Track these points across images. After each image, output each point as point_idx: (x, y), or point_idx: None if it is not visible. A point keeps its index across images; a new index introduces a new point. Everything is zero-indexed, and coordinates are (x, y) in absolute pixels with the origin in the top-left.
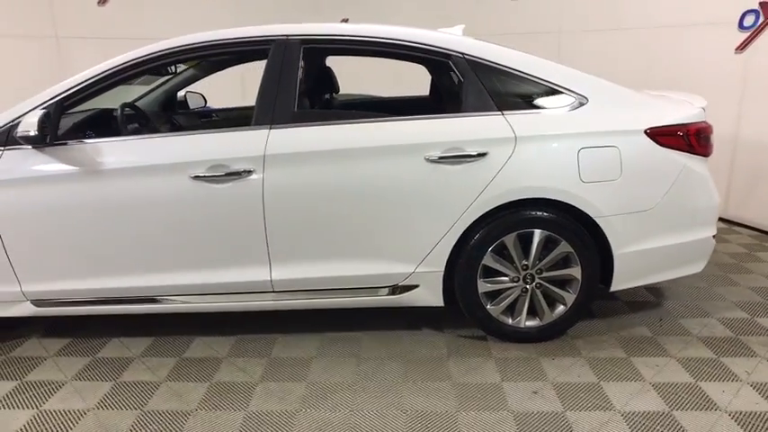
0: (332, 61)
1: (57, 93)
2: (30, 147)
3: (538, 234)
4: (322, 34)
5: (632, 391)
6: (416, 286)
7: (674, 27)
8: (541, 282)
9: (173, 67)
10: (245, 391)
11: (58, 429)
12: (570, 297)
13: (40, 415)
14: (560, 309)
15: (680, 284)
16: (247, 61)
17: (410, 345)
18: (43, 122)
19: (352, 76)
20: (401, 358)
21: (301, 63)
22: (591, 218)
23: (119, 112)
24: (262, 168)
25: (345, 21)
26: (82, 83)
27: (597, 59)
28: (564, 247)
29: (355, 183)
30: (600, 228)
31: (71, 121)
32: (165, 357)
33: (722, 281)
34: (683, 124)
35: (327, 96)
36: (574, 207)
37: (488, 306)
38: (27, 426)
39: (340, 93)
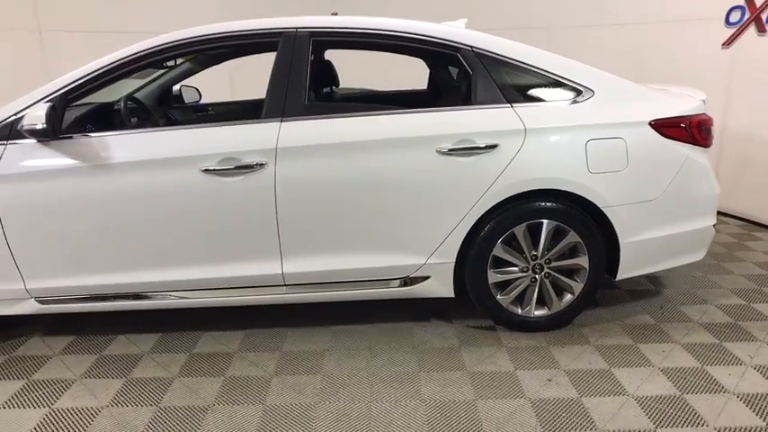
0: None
1: (61, 86)
2: (34, 140)
3: (547, 224)
4: (331, 27)
5: (643, 377)
6: (427, 278)
7: (662, 23)
8: (550, 271)
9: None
10: (260, 385)
11: (74, 428)
12: (578, 286)
13: (52, 414)
14: (568, 298)
15: (676, 273)
16: (250, 54)
17: (421, 336)
18: (50, 116)
19: (340, 70)
20: (414, 349)
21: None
22: (598, 208)
23: (122, 104)
24: (274, 161)
25: (335, 14)
26: (86, 75)
27: (586, 54)
28: (572, 237)
29: (368, 175)
30: (607, 217)
31: (71, 114)
32: (175, 353)
33: (716, 269)
34: (685, 116)
35: (328, 90)
36: (581, 197)
37: (498, 296)
38: (41, 425)
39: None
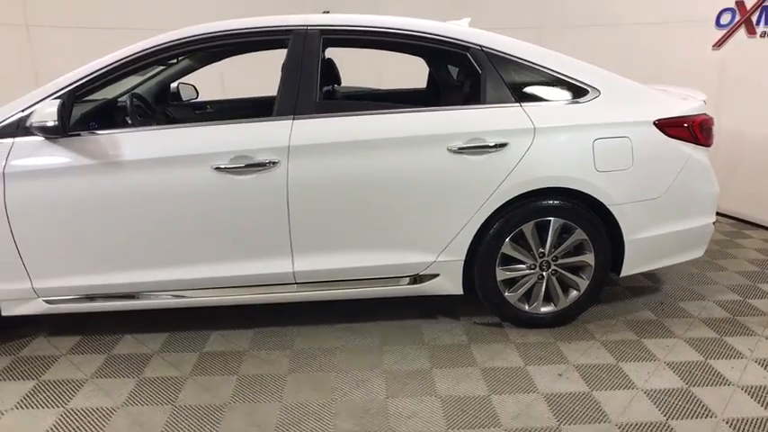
0: None
1: (68, 82)
2: (43, 138)
3: (554, 222)
4: (341, 25)
5: (649, 371)
6: (437, 275)
7: (653, 24)
8: (557, 268)
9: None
10: (275, 382)
11: (91, 427)
12: (583, 283)
13: (67, 413)
14: (573, 294)
15: (673, 270)
16: (255, 51)
17: (429, 333)
18: (62, 112)
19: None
20: (424, 346)
21: (321, 54)
22: (604, 206)
23: (128, 102)
24: (286, 159)
25: (326, 12)
26: (94, 72)
27: (578, 55)
28: (579, 235)
29: (380, 173)
30: (613, 215)
31: (76, 111)
32: (185, 353)
33: (711, 266)
34: (688, 116)
35: (330, 88)
36: (588, 195)
37: (506, 293)
38: (57, 424)
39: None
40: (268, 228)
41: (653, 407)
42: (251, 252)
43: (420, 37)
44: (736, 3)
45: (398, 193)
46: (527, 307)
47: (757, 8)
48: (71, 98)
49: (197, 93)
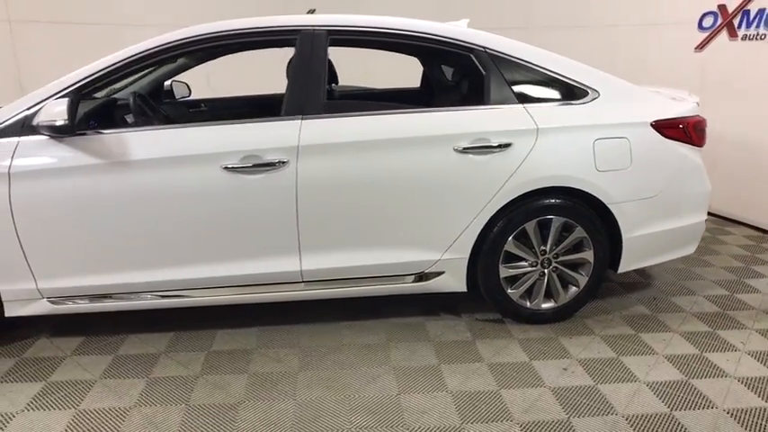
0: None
1: (73, 81)
2: (48, 137)
3: (555, 221)
4: (349, 26)
5: (650, 364)
6: (442, 273)
7: (637, 26)
8: (558, 266)
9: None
10: (287, 380)
11: (106, 428)
12: (583, 279)
13: (80, 415)
14: (573, 290)
15: (662, 266)
16: (256, 49)
17: (434, 330)
18: (71, 111)
19: None
20: (430, 343)
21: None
22: (603, 204)
23: (131, 100)
24: (296, 159)
25: (312, 11)
26: (100, 71)
27: (563, 55)
28: (579, 233)
29: (388, 173)
30: (612, 213)
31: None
32: (193, 352)
33: (697, 262)
34: (683, 117)
35: (328, 87)
36: (589, 194)
37: (509, 290)
38: (71, 425)
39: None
40: (276, 227)
41: (656, 399)
42: (259, 251)
43: (425, 38)
44: (719, 6)
45: (406, 192)
46: (528, 303)
47: (738, 12)
48: (77, 97)
49: (190, 91)
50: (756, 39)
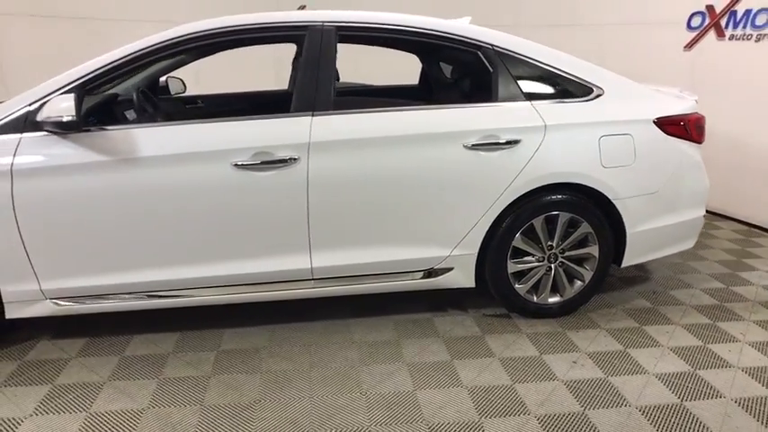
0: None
1: (77, 76)
2: (51, 133)
3: (562, 216)
4: (357, 22)
5: (656, 356)
6: (451, 269)
7: (627, 25)
8: (564, 260)
9: None
10: (300, 378)
11: (121, 430)
12: (588, 274)
13: (92, 417)
14: (578, 285)
15: (659, 261)
16: (259, 44)
17: (442, 326)
18: (78, 107)
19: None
20: (440, 339)
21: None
22: (607, 200)
23: (135, 96)
24: (307, 156)
25: (303, 8)
26: (104, 66)
27: None
28: (585, 228)
29: (399, 170)
30: (616, 209)
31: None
32: (202, 352)
33: (692, 256)
34: (684, 114)
35: None
36: (594, 190)
37: (516, 285)
38: (84, 429)
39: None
40: (287, 224)
41: (666, 390)
42: (269, 249)
43: (433, 35)
44: (707, 7)
45: (417, 188)
46: (535, 298)
47: (726, 13)
48: (82, 93)
49: (185, 87)
50: (743, 39)
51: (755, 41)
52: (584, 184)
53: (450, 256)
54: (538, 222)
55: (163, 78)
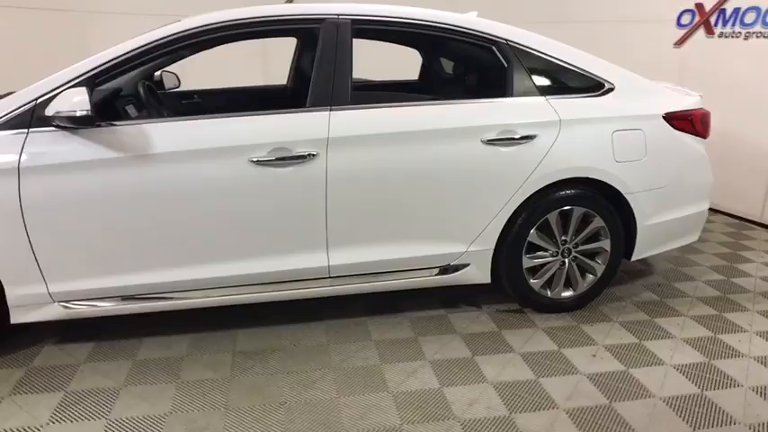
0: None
1: (86, 69)
2: (60, 129)
3: (576, 211)
4: (373, 15)
5: (671, 347)
6: (467, 265)
7: (618, 22)
8: (577, 255)
9: None
10: (324, 378)
11: None
12: (600, 268)
13: (112, 424)
14: (590, 279)
15: (659, 254)
16: (267, 37)
17: (458, 322)
18: (91, 101)
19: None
20: (458, 335)
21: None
22: (618, 194)
23: (142, 90)
24: (325, 151)
25: (290, 1)
26: (114, 59)
27: None
28: (597, 222)
29: (416, 165)
30: (628, 203)
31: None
32: (218, 353)
33: (689, 249)
34: (691, 110)
35: None
36: (608, 185)
37: (531, 280)
38: None
39: None
40: (305, 221)
41: (686, 380)
42: (286, 247)
43: (450, 30)
44: (696, 5)
45: (436, 184)
46: (549, 293)
47: (715, 11)
48: (91, 86)
49: (179, 81)
50: (732, 36)
51: (744, 39)
52: (598, 178)
53: (466, 252)
54: (552, 217)
55: (157, 73)
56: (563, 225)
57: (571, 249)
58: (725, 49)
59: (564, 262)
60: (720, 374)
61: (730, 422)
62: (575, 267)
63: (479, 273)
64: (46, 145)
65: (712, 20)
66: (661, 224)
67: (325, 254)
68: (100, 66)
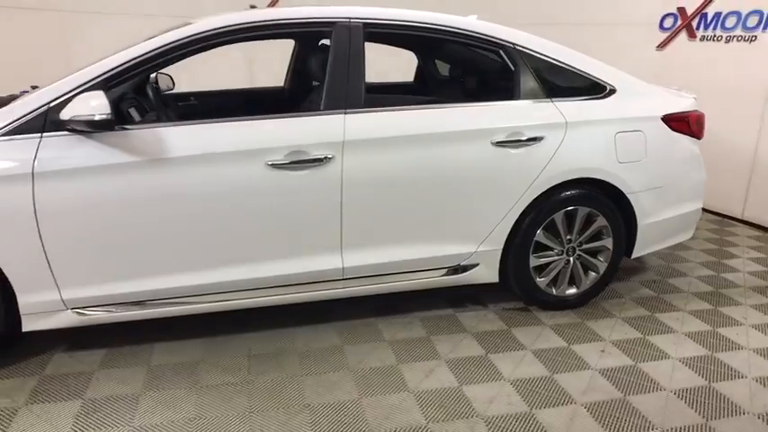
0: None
1: (101, 72)
2: (75, 133)
3: (580, 211)
4: (385, 18)
5: (674, 341)
6: (476, 265)
7: (601, 25)
8: (581, 253)
9: None
10: (343, 379)
11: None
12: (602, 265)
13: None
14: (593, 276)
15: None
16: (275, 39)
17: (467, 321)
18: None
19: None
20: (468, 334)
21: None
22: (621, 194)
23: (151, 92)
24: (341, 154)
25: (253, 7)
26: (128, 62)
27: None
28: (601, 222)
29: (431, 167)
30: (630, 203)
31: None
32: (234, 357)
33: (678, 246)
34: (687, 112)
35: None
36: (611, 185)
37: (537, 279)
38: None
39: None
40: (320, 224)
41: (693, 373)
42: (302, 249)
43: (456, 33)
44: (678, 9)
45: (448, 185)
46: (554, 291)
47: (697, 15)
48: (105, 90)
49: (173, 83)
50: (713, 40)
51: (725, 42)
52: (602, 179)
53: (476, 252)
54: (558, 217)
55: (152, 75)
56: (568, 225)
57: (575, 248)
58: (706, 52)
59: (568, 260)
60: (724, 366)
61: (740, 412)
62: (578, 265)
63: (488, 272)
64: (60, 150)
65: (694, 24)
66: (659, 222)
67: (339, 256)
68: (114, 69)
